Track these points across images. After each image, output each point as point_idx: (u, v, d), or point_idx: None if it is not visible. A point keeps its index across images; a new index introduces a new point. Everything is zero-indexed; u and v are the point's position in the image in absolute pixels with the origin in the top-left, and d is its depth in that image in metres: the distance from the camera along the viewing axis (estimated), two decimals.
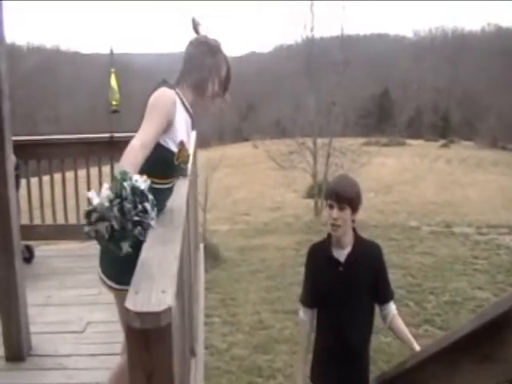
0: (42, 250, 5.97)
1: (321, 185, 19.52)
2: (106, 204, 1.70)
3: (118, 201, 1.69)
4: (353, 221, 3.04)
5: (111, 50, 5.93)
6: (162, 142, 2.32)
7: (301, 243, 14.85)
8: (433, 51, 64.61)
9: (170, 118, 2.32)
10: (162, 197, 2.29)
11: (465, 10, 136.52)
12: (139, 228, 1.73)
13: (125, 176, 1.74)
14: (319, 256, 3.16)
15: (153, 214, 1.78)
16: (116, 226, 1.69)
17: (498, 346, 1.77)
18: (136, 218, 1.72)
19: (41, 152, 5.44)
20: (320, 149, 20.03)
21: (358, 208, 3.04)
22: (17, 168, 4.85)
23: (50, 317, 4.23)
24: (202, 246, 6.09)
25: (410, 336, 3.07)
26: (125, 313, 1.43)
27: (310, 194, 21.28)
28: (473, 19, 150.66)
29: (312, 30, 21.73)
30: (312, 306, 3.21)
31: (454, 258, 13.21)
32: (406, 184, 24.47)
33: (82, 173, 5.54)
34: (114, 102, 5.30)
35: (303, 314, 3.25)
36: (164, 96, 2.33)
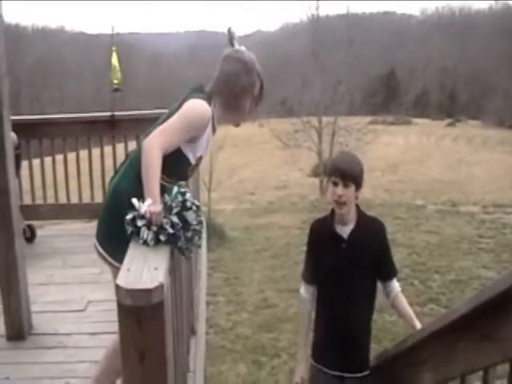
0: (44, 229, 5.96)
1: (326, 163, 19.45)
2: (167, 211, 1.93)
3: (177, 210, 1.92)
4: (356, 197, 2.99)
5: (112, 29, 5.88)
6: (183, 150, 2.35)
7: (306, 222, 14.80)
8: (440, 30, 63.99)
9: (199, 134, 2.35)
10: (163, 193, 2.28)
11: None
12: (197, 237, 1.99)
13: (186, 190, 2.00)
14: (322, 232, 3.12)
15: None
16: (170, 231, 1.88)
17: (497, 325, 1.75)
18: (197, 227, 1.97)
19: (42, 131, 5.40)
20: (325, 127, 19.96)
21: (361, 185, 2.98)
22: (18, 147, 4.82)
23: (51, 296, 4.21)
24: (204, 224, 6.06)
25: (412, 314, 3.04)
26: (116, 290, 1.41)
27: (315, 173, 21.24)
28: None
29: (318, 8, 21.55)
30: (313, 283, 3.17)
31: (460, 236, 13.19)
32: (412, 163, 24.38)
33: (83, 154, 5.51)
34: (115, 81, 5.24)
35: (304, 290, 3.21)
36: (203, 114, 2.32)
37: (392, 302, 3.10)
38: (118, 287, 1.40)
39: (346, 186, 2.92)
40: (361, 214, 3.06)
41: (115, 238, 2.08)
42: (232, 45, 2.53)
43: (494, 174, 21.19)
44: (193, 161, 2.42)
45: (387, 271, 3.08)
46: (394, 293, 3.07)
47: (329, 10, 33.74)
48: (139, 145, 2.36)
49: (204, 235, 5.67)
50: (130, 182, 2.28)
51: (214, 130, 2.51)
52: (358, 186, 2.96)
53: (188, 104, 2.32)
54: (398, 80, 54.73)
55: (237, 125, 2.65)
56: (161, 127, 2.24)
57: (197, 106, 2.32)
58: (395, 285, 3.09)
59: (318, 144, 19.96)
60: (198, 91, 2.44)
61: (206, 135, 2.41)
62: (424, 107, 51.16)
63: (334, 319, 3.07)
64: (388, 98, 41.90)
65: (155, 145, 2.13)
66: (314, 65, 20.97)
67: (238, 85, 2.45)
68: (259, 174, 23.78)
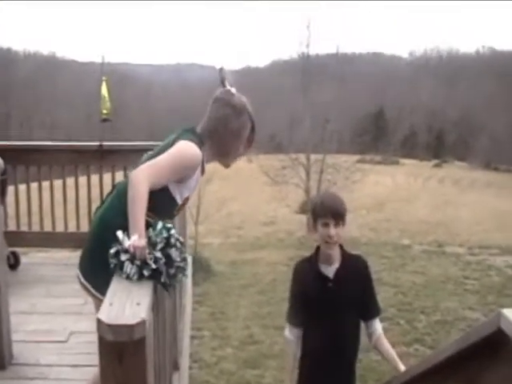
0: (28, 257, 5.90)
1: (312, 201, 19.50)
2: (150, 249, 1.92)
3: (161, 246, 1.92)
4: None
5: (103, 58, 5.90)
6: (171, 190, 2.35)
7: (293, 259, 14.77)
8: (428, 72, 65.00)
9: (188, 176, 2.36)
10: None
11: (460, 32, 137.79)
12: (181, 275, 2.00)
13: (171, 226, 2.01)
14: (307, 273, 3.11)
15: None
16: (154, 266, 1.87)
17: (483, 369, 1.74)
18: (181, 264, 1.97)
19: (30, 158, 5.37)
20: (313, 165, 20.05)
21: (345, 220, 3.02)
22: (4, 172, 4.79)
23: (33, 325, 4.15)
24: (189, 258, 6.02)
25: (395, 356, 3.01)
26: (97, 324, 1.39)
27: (302, 210, 21.24)
28: (467, 41, 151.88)
29: (308, 46, 21.84)
30: (299, 325, 3.14)
31: (446, 277, 13.20)
32: (399, 202, 24.48)
33: (70, 181, 5.48)
34: (104, 111, 5.24)
35: (289, 332, 3.17)
36: (193, 156, 2.33)
37: (375, 343, 3.07)
38: (99, 322, 1.38)
39: (337, 225, 2.96)
40: (345, 253, 3.07)
41: (100, 269, 2.05)
42: (223, 85, 2.53)
43: (480, 216, 21.33)
44: (179, 201, 2.43)
45: (371, 309, 3.07)
46: (376, 334, 3.05)
47: (319, 48, 34.24)
48: (127, 177, 2.35)
49: (189, 269, 5.64)
50: (116, 213, 2.25)
51: (202, 171, 2.50)
52: (344, 222, 2.99)
53: (179, 145, 2.32)
54: (386, 120, 55.36)
55: (227, 166, 2.65)
56: (150, 162, 2.24)
57: (187, 148, 2.32)
58: (378, 325, 3.07)
59: (305, 181, 20.03)
60: (189, 132, 2.45)
61: (194, 177, 2.42)
62: (411, 147, 51.64)
63: (320, 358, 3.03)
64: (376, 137, 42.29)
65: (143, 178, 2.11)
66: (303, 102, 21.16)
67: (228, 129, 2.47)
68: (247, 208, 23.77)
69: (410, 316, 10.71)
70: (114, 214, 2.29)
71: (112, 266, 1.87)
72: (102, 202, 2.55)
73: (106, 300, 1.52)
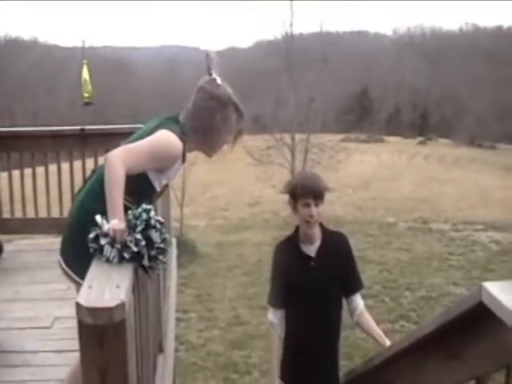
0: (10, 244, 5.85)
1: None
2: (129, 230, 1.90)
3: (141, 228, 1.90)
4: None
5: (83, 42, 5.85)
6: (150, 177, 2.33)
7: (278, 239, 14.70)
8: (412, 50, 64.96)
9: (166, 166, 2.34)
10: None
11: (443, 9, 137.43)
12: (162, 256, 1.97)
13: (150, 207, 1.98)
14: (288, 253, 3.11)
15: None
16: (135, 249, 1.86)
17: (465, 344, 1.74)
18: (162, 245, 1.94)
19: (10, 144, 5.30)
20: (298, 144, 20.03)
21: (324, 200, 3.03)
22: None
23: (17, 312, 4.13)
24: (174, 240, 6.01)
25: (379, 331, 3.02)
26: (76, 308, 1.38)
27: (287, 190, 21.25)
28: (450, 18, 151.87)
29: (291, 25, 21.72)
30: (281, 307, 3.13)
31: (431, 254, 13.32)
32: (384, 181, 24.56)
33: (52, 168, 5.43)
34: (86, 95, 5.20)
35: (273, 315, 3.15)
36: (173, 149, 2.30)
37: (357, 319, 3.08)
38: (78, 305, 1.37)
39: (317, 205, 2.97)
40: (325, 231, 3.08)
41: (80, 255, 2.03)
42: (209, 73, 2.48)
43: (465, 192, 21.48)
44: (158, 188, 2.41)
45: (353, 284, 3.09)
46: (358, 310, 3.07)
47: (302, 28, 34.02)
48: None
49: (174, 251, 5.63)
50: (95, 197, 2.21)
51: (183, 160, 2.47)
52: (323, 201, 3.01)
53: (159, 134, 2.28)
54: (370, 98, 55.28)
55: (209, 155, 2.63)
56: (128, 146, 2.21)
57: (167, 139, 2.29)
58: (360, 301, 3.08)
59: (290, 161, 20.02)
60: (172, 121, 2.41)
61: (175, 167, 2.40)
62: (396, 126, 51.71)
63: (304, 339, 3.05)
64: (361, 116, 42.27)
65: (119, 160, 2.08)
66: (287, 82, 21.08)
67: (213, 122, 2.43)
68: (232, 190, 23.75)
69: (395, 293, 10.81)
70: (93, 199, 2.26)
71: (92, 250, 1.85)
72: (82, 186, 2.52)
73: (85, 283, 1.51)
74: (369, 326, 3.06)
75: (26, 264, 5.21)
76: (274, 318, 3.14)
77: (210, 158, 2.65)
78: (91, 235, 1.86)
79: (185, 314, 10.10)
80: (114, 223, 1.89)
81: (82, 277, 2.07)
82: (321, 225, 3.07)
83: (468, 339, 1.73)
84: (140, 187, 2.27)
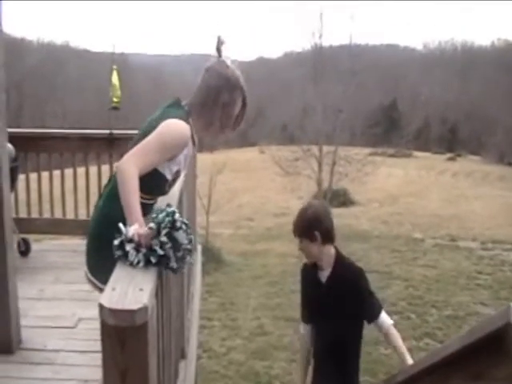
0: (39, 243, 5.92)
1: (325, 192, 19.44)
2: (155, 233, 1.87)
3: (166, 230, 1.87)
4: (325, 243, 3.15)
5: (114, 47, 5.90)
6: (160, 169, 2.28)
7: None
8: (442, 64, 64.41)
9: (177, 153, 2.28)
10: (145, 211, 2.18)
11: (475, 24, 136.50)
12: (188, 257, 1.95)
13: (174, 209, 1.96)
14: (308, 275, 3.34)
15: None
16: (161, 252, 1.84)
17: (489, 365, 1.70)
18: (188, 247, 1.92)
19: (40, 145, 5.39)
20: (325, 156, 19.97)
21: (313, 235, 3.13)
22: (15, 160, 4.80)
23: (42, 311, 4.17)
24: (199, 247, 6.02)
25: (403, 349, 3.05)
26: (99, 309, 1.38)
27: None
28: (482, 33, 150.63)
29: (321, 37, 21.72)
30: (307, 322, 3.38)
31: (458, 272, 13.11)
32: (412, 196, 24.35)
33: (80, 170, 5.49)
34: (114, 99, 5.25)
35: (302, 328, 3.43)
36: (180, 135, 2.24)
37: (384, 336, 3.17)
38: (101, 306, 1.37)
39: (300, 241, 3.24)
40: (338, 260, 3.20)
41: (104, 262, 2.03)
42: (219, 53, 2.43)
43: (493, 210, 21.16)
44: (169, 177, 2.35)
45: (369, 314, 3.16)
46: (384, 328, 3.13)
47: (332, 40, 34.04)
48: None
49: (199, 258, 5.63)
50: (113, 205, 2.18)
51: (194, 142, 2.43)
52: (311, 236, 3.15)
53: (164, 125, 2.22)
54: (399, 111, 54.93)
55: (215, 140, 2.59)
56: (135, 148, 2.15)
57: (173, 128, 2.23)
58: (383, 320, 3.14)
59: (317, 172, 19.95)
60: (174, 107, 2.37)
61: (184, 151, 2.33)
62: (425, 140, 51.24)
63: (318, 358, 3.33)
64: (389, 129, 41.98)
65: (129, 166, 2.05)
66: (315, 93, 21.05)
67: (218, 102, 2.36)
68: (258, 199, 23.76)
69: (421, 310, 10.65)
70: (113, 206, 2.22)
71: (116, 256, 1.82)
72: (100, 196, 2.51)
73: (109, 285, 1.51)
74: (394, 342, 3.13)
75: (52, 264, 5.27)
76: (303, 331, 3.44)
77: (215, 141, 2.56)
78: (116, 242, 1.83)
79: (208, 322, 10.10)
80: (136, 228, 1.87)
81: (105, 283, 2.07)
82: (337, 252, 3.21)
83: (493, 360, 1.68)
84: (150, 181, 2.23)
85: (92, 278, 2.43)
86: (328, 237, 3.16)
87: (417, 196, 24.37)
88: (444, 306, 10.87)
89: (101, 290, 2.34)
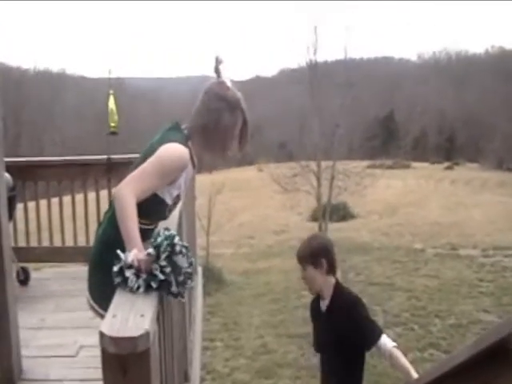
0: (38, 272, 5.91)
1: (325, 207, 19.42)
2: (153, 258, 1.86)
3: (166, 254, 1.85)
4: (329, 273, 3.30)
5: (109, 72, 5.91)
6: (159, 193, 2.27)
7: None
8: (437, 74, 64.72)
9: (176, 176, 2.27)
10: (145, 236, 2.16)
11: (468, 33, 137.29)
12: (189, 280, 1.94)
13: (173, 233, 1.93)
14: (314, 303, 3.50)
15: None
16: (161, 277, 1.82)
17: (497, 374, 1.69)
18: (189, 270, 1.91)
19: (38, 173, 5.41)
20: (324, 171, 19.96)
21: (319, 262, 3.26)
22: (13, 189, 4.81)
23: (43, 340, 4.15)
24: (200, 269, 6.00)
25: (409, 370, 3.07)
26: (99, 337, 1.37)
27: (314, 217, 21.17)
28: (476, 42, 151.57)
29: (315, 52, 21.81)
30: (317, 351, 3.56)
31: (460, 280, 13.06)
32: (411, 206, 24.33)
33: (79, 197, 5.49)
34: (112, 124, 5.26)
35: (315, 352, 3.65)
36: (179, 159, 2.23)
37: (389, 359, 3.20)
38: (101, 334, 1.36)
39: (303, 269, 3.34)
40: (337, 290, 3.33)
41: (108, 290, 2.03)
42: (217, 73, 2.41)
43: (493, 217, 21.13)
44: (169, 201, 2.34)
45: (368, 341, 3.21)
46: (387, 351, 3.16)
47: (327, 55, 34.22)
48: None
49: (200, 280, 5.62)
50: (115, 230, 2.14)
51: (194, 165, 2.41)
52: (316, 264, 3.28)
53: (162, 150, 2.21)
54: (396, 122, 55.12)
55: (217, 161, 2.60)
56: (133, 173, 2.14)
57: (171, 153, 2.22)
58: (385, 343, 3.17)
59: (316, 188, 19.93)
60: (173, 130, 2.36)
61: (183, 175, 2.33)
62: (422, 150, 51.38)
63: (321, 378, 3.48)
64: (386, 140, 42.10)
65: (127, 193, 2.04)
66: (312, 108, 21.10)
67: (220, 125, 2.35)
68: (258, 217, 23.73)
69: (424, 320, 10.60)
70: (112, 233, 2.23)
71: (116, 283, 1.81)
72: (100, 223, 2.51)
73: (109, 312, 1.50)
74: (399, 364, 3.14)
75: (53, 292, 5.25)
76: (316, 354, 3.66)
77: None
78: (115, 268, 1.82)
79: (211, 343, 10.03)
80: (135, 253, 1.85)
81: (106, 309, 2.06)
82: (337, 283, 3.34)
83: (500, 370, 1.68)
84: (150, 206, 2.22)
85: (94, 305, 2.43)
86: (332, 267, 3.32)
87: (416, 206, 24.36)
88: (447, 316, 10.82)
89: (102, 317, 2.33)
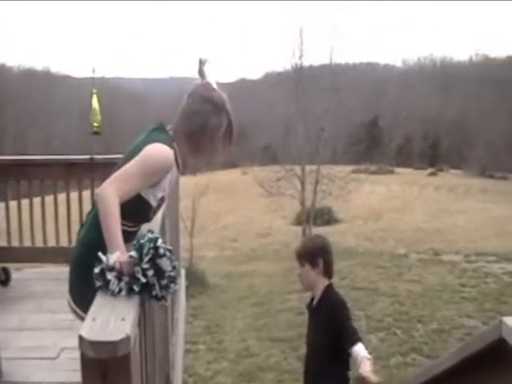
0: (19, 272, 5.82)
1: (309, 212, 19.44)
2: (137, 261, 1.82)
3: (149, 257, 1.81)
4: (325, 274, 3.47)
5: (93, 71, 5.84)
6: (143, 194, 2.23)
7: (288, 270, 14.70)
8: (422, 80, 65.12)
9: (160, 178, 2.24)
10: (128, 239, 2.10)
11: (452, 40, 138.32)
12: (172, 284, 1.90)
13: (156, 236, 1.89)
14: (309, 302, 3.64)
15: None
16: (143, 280, 1.79)
17: (484, 380, 1.68)
18: (172, 274, 1.87)
19: (20, 172, 5.33)
20: (308, 175, 19.99)
21: (316, 262, 3.43)
22: None
23: (23, 341, 4.07)
24: (183, 271, 5.95)
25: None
26: (79, 340, 1.33)
27: (298, 221, 21.21)
28: (460, 49, 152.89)
29: (301, 57, 21.85)
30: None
31: (442, 285, 13.11)
32: (395, 211, 24.44)
33: (61, 197, 5.42)
34: (95, 124, 5.20)
35: None
36: (164, 160, 2.20)
37: (358, 368, 3.23)
38: (81, 338, 1.32)
39: (301, 265, 3.51)
40: (326, 290, 3.48)
41: (86, 291, 1.98)
42: (201, 74, 2.39)
43: (477, 223, 21.28)
44: (154, 203, 2.31)
45: (345, 341, 3.26)
46: (358, 360, 3.19)
47: (312, 59, 34.31)
48: None
49: (183, 282, 5.57)
50: (96, 232, 2.14)
51: (178, 166, 2.38)
52: (313, 263, 3.44)
53: (146, 150, 2.19)
54: (380, 128, 55.35)
55: (201, 163, 2.58)
56: (117, 174, 2.11)
57: (155, 153, 2.19)
58: (358, 354, 3.18)
59: (300, 192, 19.96)
60: (158, 131, 2.33)
61: (168, 176, 2.29)
62: (406, 156, 51.68)
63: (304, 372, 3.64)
64: (371, 146, 42.24)
65: (109, 192, 2.00)
66: (296, 112, 21.12)
67: (206, 127, 2.33)
68: (242, 220, 23.71)
69: (407, 325, 10.61)
70: (93, 234, 2.21)
71: (97, 286, 1.76)
72: (82, 224, 2.48)
73: (89, 315, 1.46)
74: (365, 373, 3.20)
75: (34, 293, 5.17)
76: None
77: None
78: (96, 270, 1.77)
79: (193, 346, 9.97)
80: (118, 256, 1.81)
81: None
82: (329, 285, 3.50)
83: (487, 375, 1.67)
84: (134, 207, 2.19)
85: (75, 307, 2.39)
86: (328, 269, 3.47)
87: (400, 211, 24.47)
88: (429, 321, 10.84)
89: (83, 319, 2.29)
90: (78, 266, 2.33)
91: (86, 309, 2.20)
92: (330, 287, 3.48)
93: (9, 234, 5.50)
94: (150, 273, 1.79)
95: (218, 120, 2.34)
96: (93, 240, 2.19)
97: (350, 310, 3.43)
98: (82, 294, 2.25)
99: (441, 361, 1.97)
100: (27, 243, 5.56)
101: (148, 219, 2.40)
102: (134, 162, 2.14)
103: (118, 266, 1.77)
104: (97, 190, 2.07)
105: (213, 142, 2.38)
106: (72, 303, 2.40)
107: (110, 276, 1.73)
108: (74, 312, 2.40)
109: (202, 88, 2.37)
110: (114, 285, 1.71)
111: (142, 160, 2.15)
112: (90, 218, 2.35)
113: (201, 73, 2.39)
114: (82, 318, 2.25)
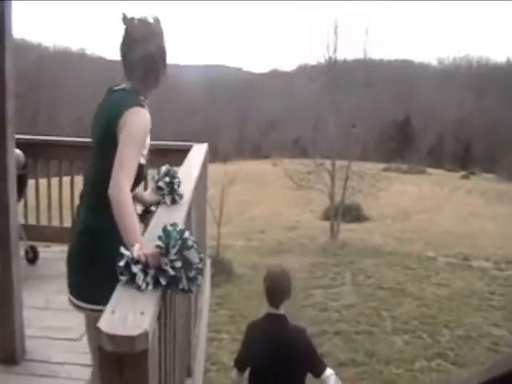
0: (47, 251, 5.83)
1: (338, 207, 19.29)
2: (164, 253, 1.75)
3: (177, 249, 1.74)
4: None
5: None
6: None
7: (315, 265, 14.61)
8: (457, 80, 64.17)
9: (147, 139, 2.32)
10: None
11: (490, 41, 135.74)
12: (200, 276, 1.83)
13: (183, 228, 1.84)
14: None
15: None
16: (172, 272, 1.72)
17: None
18: (199, 265, 1.80)
19: (50, 152, 5.33)
20: (338, 171, 19.83)
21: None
22: (25, 167, 4.73)
23: (47, 321, 4.08)
24: (209, 260, 5.91)
25: None
26: (96, 333, 1.26)
27: (326, 216, 21.06)
28: (498, 50, 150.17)
29: (335, 51, 21.64)
30: None
31: (471, 291, 12.87)
32: (425, 212, 24.12)
33: None
34: None
35: None
36: (146, 123, 2.26)
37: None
38: (99, 330, 1.26)
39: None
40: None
41: (93, 279, 2.05)
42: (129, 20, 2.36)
43: (508, 230, 20.86)
44: (143, 161, 2.36)
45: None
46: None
47: (346, 53, 34.03)
48: (89, 177, 2.40)
49: (208, 271, 5.51)
50: (98, 218, 2.21)
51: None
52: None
53: (129, 125, 2.19)
54: (412, 127, 54.75)
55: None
56: (116, 165, 2.08)
57: (137, 122, 2.22)
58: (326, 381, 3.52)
59: (330, 187, 19.80)
60: (127, 95, 2.35)
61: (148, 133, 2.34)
62: (438, 157, 50.98)
63: None
64: (402, 144, 41.88)
65: (121, 188, 2.01)
66: (328, 106, 20.96)
67: (159, 65, 2.39)
68: (270, 212, 23.63)
69: (433, 329, 10.43)
70: (92, 222, 2.29)
71: (124, 281, 1.67)
72: (74, 220, 2.56)
73: (109, 307, 1.39)
74: None
75: (60, 272, 5.14)
76: None
77: None
78: (121, 263, 1.69)
79: (217, 334, 9.96)
80: (139, 247, 1.75)
81: (99, 302, 1.88)
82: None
83: None
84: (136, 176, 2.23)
85: (79, 303, 2.38)
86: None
87: (430, 213, 24.15)
88: (456, 327, 10.64)
89: (92, 311, 2.26)
90: (80, 252, 2.36)
91: (91, 298, 2.23)
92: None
93: (38, 212, 5.51)
94: (178, 264, 1.72)
95: (156, 44, 2.37)
96: (91, 228, 2.28)
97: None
98: (86, 282, 2.31)
99: (466, 378, 1.86)
100: (55, 222, 5.57)
101: (143, 178, 2.45)
102: (125, 142, 2.15)
103: (143, 258, 1.70)
104: (109, 191, 2.02)
105: (158, 70, 2.42)
106: (74, 300, 2.42)
107: (135, 269, 1.65)
108: (79, 307, 2.41)
109: (134, 32, 2.35)
110: (140, 279, 1.63)
111: (130, 137, 2.17)
112: (86, 204, 2.41)
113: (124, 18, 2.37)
114: (88, 310, 2.31)
